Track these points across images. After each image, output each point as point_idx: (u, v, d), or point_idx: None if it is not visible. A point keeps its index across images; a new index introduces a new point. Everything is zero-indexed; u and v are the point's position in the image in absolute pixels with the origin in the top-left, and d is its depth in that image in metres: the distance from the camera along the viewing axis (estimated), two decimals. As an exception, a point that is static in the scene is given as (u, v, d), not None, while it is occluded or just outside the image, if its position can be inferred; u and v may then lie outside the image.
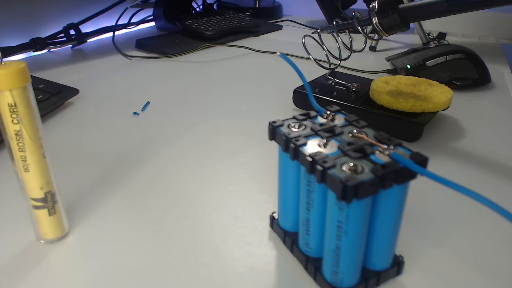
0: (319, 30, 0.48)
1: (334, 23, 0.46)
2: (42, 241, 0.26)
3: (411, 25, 0.43)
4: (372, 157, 0.20)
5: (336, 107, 0.25)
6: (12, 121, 0.22)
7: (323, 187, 0.21)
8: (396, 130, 0.39)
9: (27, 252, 0.25)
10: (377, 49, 0.72)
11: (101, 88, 0.53)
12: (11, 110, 0.22)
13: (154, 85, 0.54)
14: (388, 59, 0.59)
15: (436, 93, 0.41)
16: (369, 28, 0.41)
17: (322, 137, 0.22)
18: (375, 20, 0.39)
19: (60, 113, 0.46)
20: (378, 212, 0.21)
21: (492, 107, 0.48)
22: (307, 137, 0.22)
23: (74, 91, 0.49)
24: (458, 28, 0.80)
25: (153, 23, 0.89)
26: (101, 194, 0.31)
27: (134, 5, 0.80)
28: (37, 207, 0.25)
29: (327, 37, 0.52)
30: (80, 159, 0.36)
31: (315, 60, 0.50)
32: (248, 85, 0.54)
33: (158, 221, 0.28)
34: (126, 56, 0.67)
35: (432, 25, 0.80)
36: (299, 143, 0.21)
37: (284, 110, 0.47)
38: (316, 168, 0.20)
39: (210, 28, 0.75)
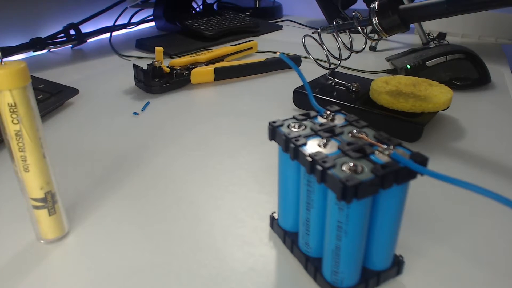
0: (319, 30, 0.48)
1: (334, 23, 0.46)
2: (42, 241, 0.26)
3: (411, 25, 0.43)
4: (372, 157, 0.20)
5: (336, 107, 0.25)
6: (12, 121, 0.22)
7: (323, 187, 0.21)
8: (396, 130, 0.39)
9: (27, 252, 0.25)
10: (377, 49, 0.72)
11: (101, 88, 0.53)
12: (11, 110, 0.22)
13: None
14: (388, 59, 0.59)
15: (436, 93, 0.41)
16: (369, 28, 0.41)
17: (322, 137, 0.22)
18: (375, 20, 0.39)
19: (60, 113, 0.46)
20: (378, 212, 0.21)
21: (492, 107, 0.48)
22: (307, 137, 0.22)
23: (74, 91, 0.49)
24: (458, 28, 0.80)
25: (153, 23, 0.89)
26: (101, 194, 0.31)
27: (134, 5, 0.80)
28: (37, 207, 0.25)
29: (327, 37, 0.52)
30: (80, 159, 0.36)
31: (315, 60, 0.50)
32: (248, 85, 0.54)
33: (158, 221, 0.28)
34: (121, 56, 0.67)
35: (432, 25, 0.80)
36: (299, 143, 0.21)
37: (284, 110, 0.47)
38: (316, 168, 0.20)
39: (210, 28, 0.75)
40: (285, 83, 0.55)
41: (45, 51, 0.69)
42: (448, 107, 0.41)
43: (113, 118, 0.44)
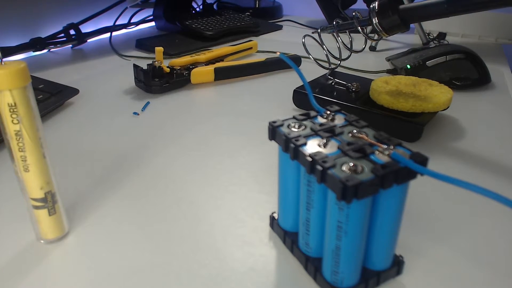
0: (319, 30, 0.48)
1: (334, 23, 0.46)
2: (42, 241, 0.26)
3: (411, 25, 0.43)
4: (372, 157, 0.20)
5: (336, 107, 0.25)
6: (12, 121, 0.22)
7: (323, 187, 0.21)
8: (396, 130, 0.39)
9: (27, 252, 0.25)
10: (377, 49, 0.72)
11: (101, 88, 0.53)
12: (11, 110, 0.22)
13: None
14: (388, 59, 0.59)
15: (436, 93, 0.41)
16: (369, 28, 0.41)
17: (322, 137, 0.22)
18: (375, 20, 0.39)
19: (60, 113, 0.46)
20: (378, 212, 0.21)
21: (492, 107, 0.48)
22: (307, 137, 0.22)
23: (74, 91, 0.49)
24: (458, 28, 0.80)
25: (153, 23, 0.89)
26: (101, 194, 0.31)
27: (134, 5, 0.80)
28: (37, 207, 0.25)
29: (327, 37, 0.52)
30: (80, 159, 0.36)
31: (315, 60, 0.50)
32: (248, 85, 0.54)
33: (158, 221, 0.28)
34: (121, 56, 0.67)
35: (432, 25, 0.80)
36: (299, 143, 0.21)
37: (284, 110, 0.47)
38: (316, 168, 0.20)
39: (210, 28, 0.75)
40: (285, 83, 0.55)
41: (45, 51, 0.69)
42: (448, 107, 0.41)
43: (113, 118, 0.44)
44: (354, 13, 0.43)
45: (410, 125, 0.39)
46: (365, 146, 0.21)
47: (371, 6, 0.40)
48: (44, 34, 0.70)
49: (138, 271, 0.24)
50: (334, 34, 0.46)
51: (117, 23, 0.77)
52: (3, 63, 0.21)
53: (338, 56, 0.48)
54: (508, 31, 0.78)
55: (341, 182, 0.18)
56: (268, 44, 0.74)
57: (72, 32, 0.71)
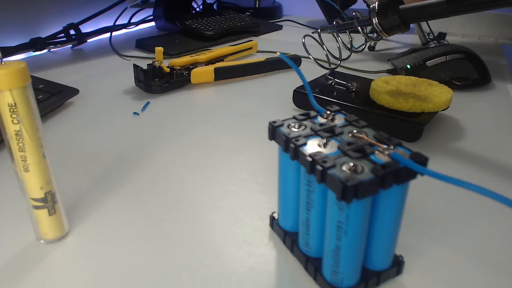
0: (319, 30, 0.48)
1: (334, 23, 0.46)
2: (42, 241, 0.26)
3: (411, 25, 0.43)
4: (372, 157, 0.20)
5: (336, 107, 0.25)
6: (12, 121, 0.22)
7: (323, 187, 0.21)
8: (396, 130, 0.39)
9: (27, 252, 0.25)
10: (377, 49, 0.72)
11: (101, 88, 0.53)
12: (11, 110, 0.22)
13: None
14: (388, 59, 0.59)
15: (436, 93, 0.41)
16: (369, 28, 0.41)
17: (322, 137, 0.22)
18: (375, 20, 0.39)
19: (60, 113, 0.46)
20: (378, 212, 0.21)
21: (492, 107, 0.48)
22: (307, 137, 0.22)
23: (74, 91, 0.49)
24: (458, 28, 0.80)
25: (153, 23, 0.89)
26: (101, 194, 0.31)
27: (134, 5, 0.80)
28: (37, 207, 0.25)
29: (327, 37, 0.52)
30: (80, 159, 0.36)
31: (315, 60, 0.50)
32: (248, 85, 0.54)
33: (158, 221, 0.28)
34: (121, 56, 0.67)
35: (432, 25, 0.80)
36: (299, 143, 0.21)
37: (284, 110, 0.47)
38: (316, 168, 0.20)
39: (210, 28, 0.75)
40: (285, 83, 0.55)
41: (45, 51, 0.69)
42: (448, 107, 0.41)
43: (113, 118, 0.44)
44: (354, 13, 0.43)
45: (410, 125, 0.39)
46: (365, 146, 0.21)
47: (371, 6, 0.40)
48: (44, 34, 0.70)
49: (138, 271, 0.24)
50: (334, 34, 0.46)
51: (117, 23, 0.77)
52: (3, 63, 0.21)
53: (338, 56, 0.48)
54: (508, 31, 0.78)
55: (341, 182, 0.18)
56: (268, 44, 0.74)
57: (72, 32, 0.71)
